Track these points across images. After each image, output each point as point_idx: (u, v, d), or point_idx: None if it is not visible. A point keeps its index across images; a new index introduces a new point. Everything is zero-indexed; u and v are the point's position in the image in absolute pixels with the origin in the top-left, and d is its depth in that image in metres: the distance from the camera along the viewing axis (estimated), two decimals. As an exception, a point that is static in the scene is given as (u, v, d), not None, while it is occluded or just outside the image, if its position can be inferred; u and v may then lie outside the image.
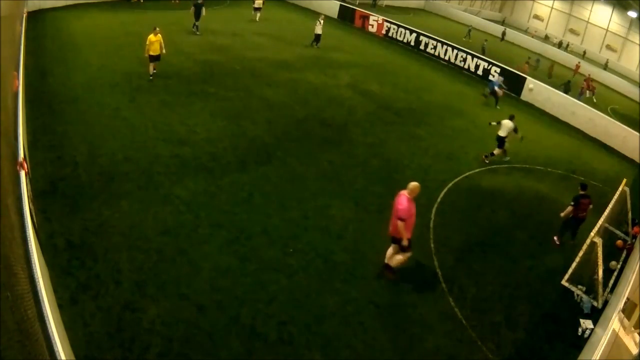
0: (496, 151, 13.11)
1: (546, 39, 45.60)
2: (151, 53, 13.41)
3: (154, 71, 13.67)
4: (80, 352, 5.34)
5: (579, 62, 35.37)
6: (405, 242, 7.04)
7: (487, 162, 13.11)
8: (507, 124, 12.87)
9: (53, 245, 6.87)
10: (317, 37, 21.59)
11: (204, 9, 19.72)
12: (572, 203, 9.65)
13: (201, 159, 10.06)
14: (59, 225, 7.29)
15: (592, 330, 7.59)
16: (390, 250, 7.52)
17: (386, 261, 7.45)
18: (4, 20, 6.76)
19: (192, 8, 19.51)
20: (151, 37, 13.32)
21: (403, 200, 6.79)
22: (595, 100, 26.23)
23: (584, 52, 44.08)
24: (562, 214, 9.84)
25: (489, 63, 22.79)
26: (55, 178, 8.43)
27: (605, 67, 40.78)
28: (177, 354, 5.70)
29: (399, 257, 7.28)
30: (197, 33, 19.52)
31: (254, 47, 19.40)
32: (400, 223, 6.77)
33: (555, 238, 10.10)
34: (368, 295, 7.33)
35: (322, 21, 21.78)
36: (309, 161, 11.01)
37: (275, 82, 15.66)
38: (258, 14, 24.27)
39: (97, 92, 12.07)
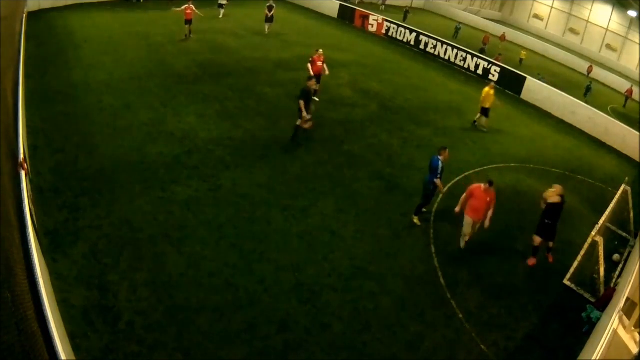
0: None
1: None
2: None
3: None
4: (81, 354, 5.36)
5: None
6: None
7: None
8: None
9: (53, 245, 6.87)
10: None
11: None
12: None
13: (201, 158, 10.06)
14: (59, 225, 7.30)
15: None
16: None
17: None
18: (4, 21, 6.76)
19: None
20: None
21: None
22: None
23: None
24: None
25: (489, 63, 22.75)
26: (55, 178, 8.43)
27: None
28: (177, 354, 5.71)
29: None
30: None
31: (255, 46, 19.39)
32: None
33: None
34: (368, 295, 7.34)
35: None
36: (309, 160, 11.00)
37: (276, 82, 15.65)
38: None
39: (97, 92, 12.07)
